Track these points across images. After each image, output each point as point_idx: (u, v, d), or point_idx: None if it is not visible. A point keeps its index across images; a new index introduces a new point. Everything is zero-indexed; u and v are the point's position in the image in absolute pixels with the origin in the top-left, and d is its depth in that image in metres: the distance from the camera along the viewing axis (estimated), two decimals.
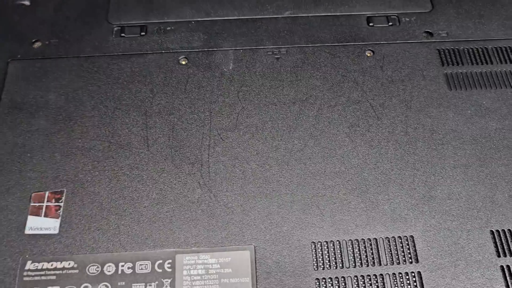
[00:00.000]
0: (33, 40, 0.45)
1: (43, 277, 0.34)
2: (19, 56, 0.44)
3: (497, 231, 0.36)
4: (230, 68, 0.43)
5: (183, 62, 0.43)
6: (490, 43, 0.44)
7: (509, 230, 0.36)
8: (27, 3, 0.47)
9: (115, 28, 0.45)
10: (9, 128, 0.40)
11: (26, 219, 0.36)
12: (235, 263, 0.34)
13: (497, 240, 0.35)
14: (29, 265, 0.34)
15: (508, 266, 0.34)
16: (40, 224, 0.36)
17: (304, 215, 0.36)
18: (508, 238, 0.35)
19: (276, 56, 0.43)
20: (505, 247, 0.35)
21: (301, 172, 0.38)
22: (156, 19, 0.46)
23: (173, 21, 0.46)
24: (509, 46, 0.44)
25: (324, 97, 0.41)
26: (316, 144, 0.39)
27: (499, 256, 0.35)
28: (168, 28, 0.45)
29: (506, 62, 0.43)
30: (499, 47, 0.44)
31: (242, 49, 0.44)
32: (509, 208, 0.36)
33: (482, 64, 0.43)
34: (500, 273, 0.34)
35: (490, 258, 0.35)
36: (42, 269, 0.34)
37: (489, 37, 0.45)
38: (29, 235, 0.35)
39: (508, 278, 0.34)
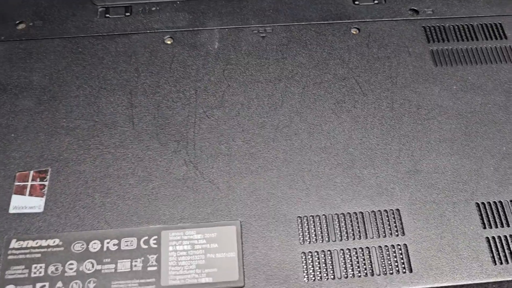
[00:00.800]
0: (17, 22, 0.44)
1: (28, 255, 0.34)
2: (2, 38, 0.43)
3: (483, 203, 0.36)
4: (216, 47, 0.42)
5: (169, 42, 0.43)
6: (475, 20, 0.44)
7: (494, 202, 0.36)
8: None
9: (100, 9, 0.45)
10: None
11: (10, 198, 0.36)
12: (221, 238, 0.34)
13: (482, 212, 0.35)
14: (14, 244, 0.34)
15: (493, 238, 0.34)
16: (24, 203, 0.36)
17: (290, 190, 0.36)
18: (494, 210, 0.35)
19: (262, 35, 0.43)
20: (491, 219, 0.35)
21: (287, 148, 0.38)
22: (140, 0, 0.46)
23: (157, 1, 0.45)
24: (493, 23, 0.44)
25: (310, 74, 0.41)
26: (302, 120, 0.39)
27: (484, 228, 0.35)
28: (153, 8, 0.45)
29: (491, 38, 0.43)
30: (484, 23, 0.44)
31: (227, 28, 0.43)
32: (494, 181, 0.36)
33: (467, 40, 0.43)
34: (486, 245, 0.34)
35: (476, 230, 0.35)
36: (27, 247, 0.34)
37: (474, 14, 0.45)
38: (14, 214, 0.35)
39: (493, 249, 0.34)
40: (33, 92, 0.40)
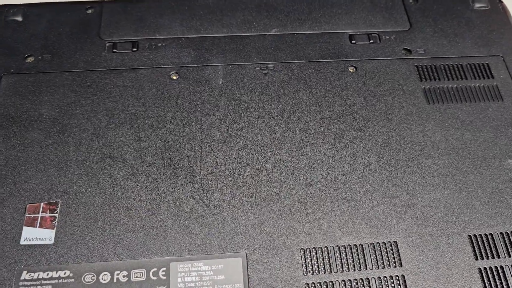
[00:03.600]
0: (26, 55, 0.46)
1: (38, 287, 0.35)
2: (12, 70, 0.44)
3: (475, 235, 0.38)
4: (220, 83, 0.44)
5: (174, 77, 0.45)
6: (465, 60, 0.47)
7: (485, 234, 0.38)
8: (20, 19, 0.48)
9: (107, 44, 0.47)
10: (3, 141, 0.40)
11: (21, 230, 0.37)
12: (227, 270, 0.35)
13: (474, 244, 0.37)
14: (25, 275, 0.35)
15: (485, 269, 0.36)
16: (35, 235, 0.37)
17: (293, 223, 0.38)
18: (485, 242, 0.37)
19: (264, 72, 0.45)
20: (482, 250, 0.37)
21: (290, 182, 0.39)
22: (147, 36, 0.47)
23: (164, 37, 0.47)
24: (481, 63, 0.47)
25: (310, 110, 0.43)
26: (303, 155, 0.41)
27: (476, 259, 0.37)
28: (159, 44, 0.47)
29: (479, 78, 0.46)
30: (473, 63, 0.47)
31: (231, 64, 0.45)
32: (485, 214, 0.39)
33: (457, 79, 0.46)
34: (478, 275, 0.36)
35: (469, 261, 0.37)
36: (37, 279, 0.35)
37: (463, 54, 0.47)
38: (25, 245, 0.36)
39: (485, 279, 0.36)
40: (43, 125, 0.41)
